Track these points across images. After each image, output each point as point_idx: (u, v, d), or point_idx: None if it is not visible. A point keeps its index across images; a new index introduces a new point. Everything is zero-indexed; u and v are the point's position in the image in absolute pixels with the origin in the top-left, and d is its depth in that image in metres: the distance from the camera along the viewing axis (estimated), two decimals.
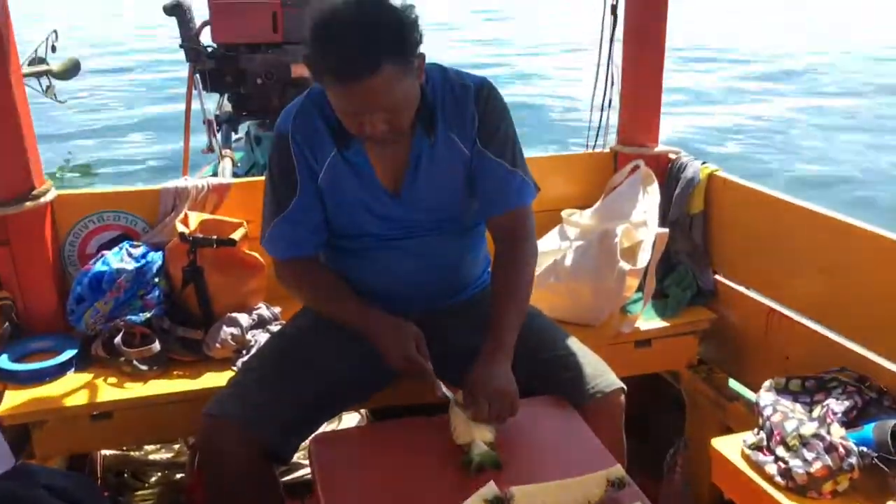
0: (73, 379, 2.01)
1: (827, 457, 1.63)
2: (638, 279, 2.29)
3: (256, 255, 2.21)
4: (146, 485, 2.53)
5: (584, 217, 2.52)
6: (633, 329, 2.30)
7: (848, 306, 1.99)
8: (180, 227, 2.15)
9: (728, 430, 2.19)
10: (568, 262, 2.28)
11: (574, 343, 1.88)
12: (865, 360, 1.93)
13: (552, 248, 2.41)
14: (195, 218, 2.21)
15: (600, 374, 1.78)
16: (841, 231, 2.01)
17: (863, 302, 1.95)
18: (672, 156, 2.61)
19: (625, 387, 1.79)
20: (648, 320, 2.36)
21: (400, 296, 1.84)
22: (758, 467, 1.74)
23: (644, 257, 2.28)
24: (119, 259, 2.13)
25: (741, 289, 2.38)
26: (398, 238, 1.81)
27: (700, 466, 2.39)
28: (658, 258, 2.30)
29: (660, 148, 2.63)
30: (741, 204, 2.37)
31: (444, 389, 1.66)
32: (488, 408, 1.56)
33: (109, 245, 2.24)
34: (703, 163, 2.51)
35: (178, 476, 2.56)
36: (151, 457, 2.64)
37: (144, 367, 2.02)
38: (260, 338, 2.13)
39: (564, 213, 2.54)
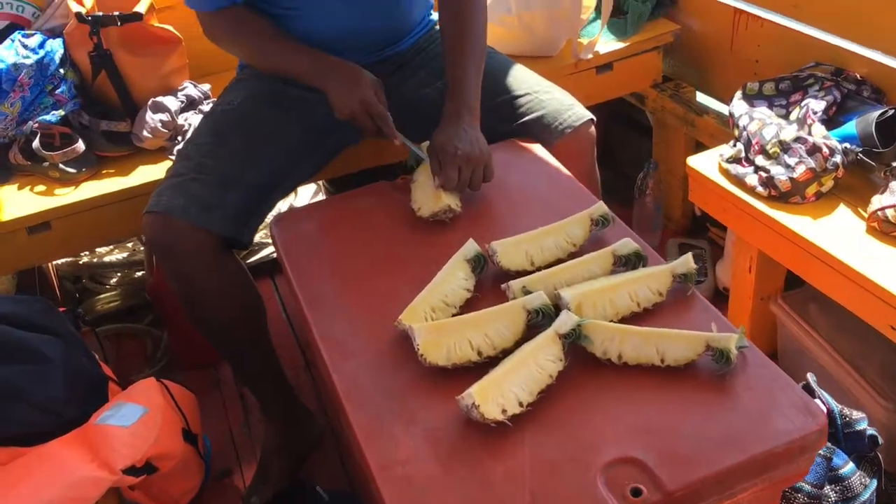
0: None
1: (810, 159, 1.55)
2: None
3: (170, 28, 1.97)
4: (107, 287, 2.45)
5: None
6: (593, 54, 2.14)
7: None
8: (75, 7, 1.87)
9: (698, 147, 2.12)
10: None
11: (535, 78, 1.73)
12: (840, 50, 1.81)
13: None
14: None
15: (567, 107, 1.65)
16: None
17: None
18: None
19: (594, 117, 1.67)
20: (608, 42, 2.19)
21: (338, 50, 1.63)
22: (738, 180, 1.67)
23: None
24: (13, 53, 1.87)
25: None
26: None
27: (671, 187, 2.35)
28: None
29: None
30: None
31: (404, 139, 1.52)
32: (458, 175, 1.42)
33: None
34: None
35: (139, 274, 2.47)
36: (107, 258, 2.53)
37: (73, 170, 1.84)
38: (193, 120, 1.94)
39: None
